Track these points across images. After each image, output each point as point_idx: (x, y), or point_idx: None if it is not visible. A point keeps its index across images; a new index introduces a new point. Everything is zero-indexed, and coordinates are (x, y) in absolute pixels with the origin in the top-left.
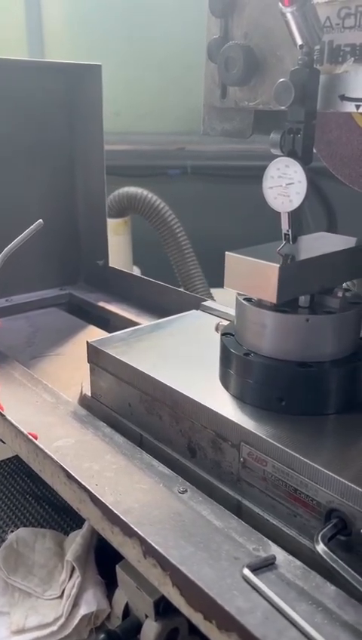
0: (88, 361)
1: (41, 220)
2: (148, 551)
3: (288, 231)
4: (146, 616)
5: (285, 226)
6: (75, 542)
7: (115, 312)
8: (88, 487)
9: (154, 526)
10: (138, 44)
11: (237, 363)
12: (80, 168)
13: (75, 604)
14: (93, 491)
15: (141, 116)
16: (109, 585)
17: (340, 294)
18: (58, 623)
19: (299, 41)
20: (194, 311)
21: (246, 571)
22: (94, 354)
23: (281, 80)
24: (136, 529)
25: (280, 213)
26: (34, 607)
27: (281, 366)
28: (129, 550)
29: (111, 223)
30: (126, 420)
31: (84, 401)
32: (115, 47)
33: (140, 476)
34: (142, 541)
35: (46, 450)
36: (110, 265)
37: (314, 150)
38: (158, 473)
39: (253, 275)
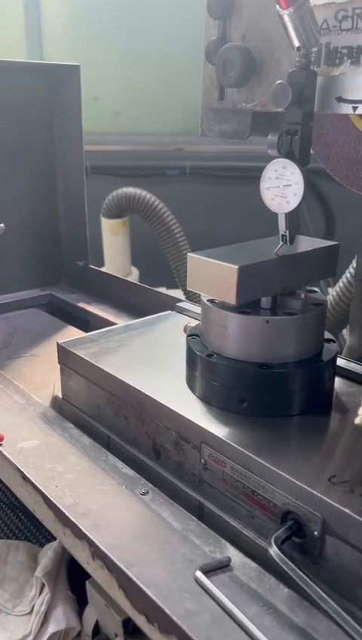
0: (59, 362)
1: (2, 225)
2: (97, 553)
3: (285, 232)
4: (116, 635)
5: (282, 227)
6: (46, 556)
7: (95, 313)
8: (42, 489)
9: (110, 528)
10: (137, 44)
11: (201, 364)
12: (60, 169)
13: (45, 622)
14: (46, 493)
15: (140, 117)
16: (81, 600)
17: (302, 296)
18: None
19: (297, 43)
20: (168, 312)
21: (199, 573)
22: (64, 355)
23: (278, 82)
24: (85, 531)
25: (277, 214)
26: (3, 623)
27: (242, 367)
28: (79, 552)
29: (110, 224)
30: (94, 422)
31: (55, 402)
32: (115, 48)
33: (103, 477)
34: (90, 543)
35: (4, 452)
36: (107, 265)
37: (312, 152)
38: (122, 475)
39: (213, 276)
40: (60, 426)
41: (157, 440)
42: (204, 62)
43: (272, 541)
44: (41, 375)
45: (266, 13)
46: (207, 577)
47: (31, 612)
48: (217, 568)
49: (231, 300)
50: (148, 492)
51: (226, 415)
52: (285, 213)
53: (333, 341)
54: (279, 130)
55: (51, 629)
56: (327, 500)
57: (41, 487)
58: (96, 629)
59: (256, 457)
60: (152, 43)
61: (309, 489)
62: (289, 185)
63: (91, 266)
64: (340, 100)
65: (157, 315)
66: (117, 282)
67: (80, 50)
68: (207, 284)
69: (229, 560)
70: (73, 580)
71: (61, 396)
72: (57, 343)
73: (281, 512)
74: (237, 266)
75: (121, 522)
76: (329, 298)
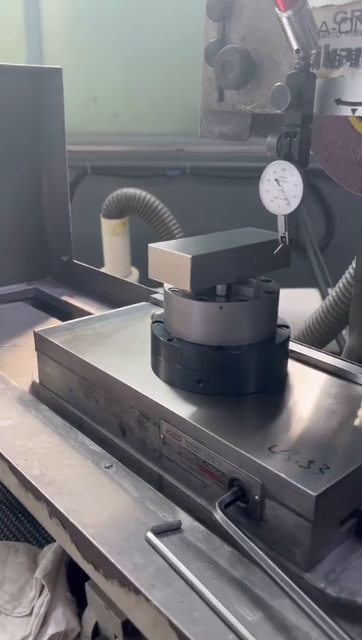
0: (36, 350)
1: None
2: (54, 512)
3: (284, 233)
4: (115, 637)
5: (281, 228)
6: (45, 557)
7: (77, 306)
8: (9, 459)
9: (72, 495)
10: (137, 44)
11: (162, 348)
12: (45, 169)
13: (44, 623)
14: (13, 463)
15: (140, 117)
16: (81, 602)
17: (255, 284)
18: None
19: (296, 46)
20: (142, 303)
21: (150, 534)
22: (40, 343)
23: (278, 84)
24: (43, 492)
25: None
26: (2, 624)
27: (198, 350)
28: (40, 513)
29: (110, 224)
30: (68, 405)
31: (33, 387)
32: (115, 49)
33: (71, 453)
34: (48, 503)
35: None
36: (107, 265)
37: (311, 153)
38: (89, 451)
39: (170, 265)
40: (35, 408)
41: (122, 419)
42: (204, 63)
43: (216, 505)
44: (22, 363)
45: (265, 15)
46: (158, 538)
47: (30, 613)
48: (168, 530)
49: (186, 287)
50: (112, 466)
51: (185, 394)
52: (284, 215)
53: (286, 327)
54: (278, 132)
55: (51, 630)
56: (266, 465)
57: (9, 458)
58: (96, 631)
59: (205, 430)
60: (152, 43)
61: (250, 456)
62: (289, 187)
63: (75, 261)
64: (339, 102)
65: (132, 306)
66: (99, 276)
67: (80, 50)
68: (165, 273)
69: (180, 523)
70: (73, 581)
71: (38, 382)
72: (34, 332)
73: (228, 480)
74: (190, 256)
75: (83, 491)
76: (329, 299)
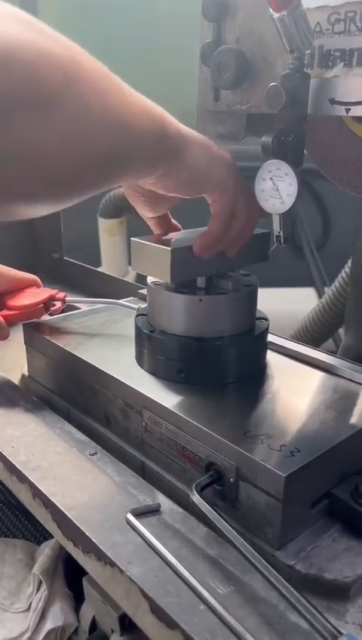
0: (25, 343)
1: None
2: (36, 493)
3: (279, 232)
4: (112, 631)
5: (276, 227)
6: (43, 553)
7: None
8: None
9: (56, 480)
10: (135, 45)
11: (144, 340)
12: None
13: (42, 618)
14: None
15: None
16: (78, 597)
17: (234, 277)
18: (24, 638)
19: (290, 46)
20: (130, 298)
21: (129, 515)
22: (29, 335)
23: (272, 84)
24: (26, 475)
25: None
26: (0, 620)
27: (178, 341)
28: (23, 495)
29: (106, 224)
30: (55, 395)
31: (23, 380)
32: (113, 49)
33: (57, 441)
34: (31, 485)
35: None
36: (104, 264)
37: (306, 153)
38: (75, 439)
39: (151, 258)
40: (23, 399)
41: (107, 409)
42: (199, 64)
43: (193, 487)
44: (14, 357)
45: (260, 16)
46: (137, 519)
47: (28, 609)
48: (147, 512)
49: (167, 279)
50: (96, 453)
51: (166, 384)
52: (279, 214)
53: (265, 319)
54: (273, 132)
55: (49, 625)
56: (239, 449)
57: None
58: (93, 626)
59: (184, 416)
60: (150, 44)
61: (226, 441)
62: (284, 186)
63: (65, 258)
64: (333, 102)
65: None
66: (89, 273)
67: None
68: (147, 266)
69: (159, 506)
70: (70, 577)
71: (27, 374)
72: (23, 325)
73: (205, 464)
74: (170, 248)
75: (66, 476)
76: (326, 297)
